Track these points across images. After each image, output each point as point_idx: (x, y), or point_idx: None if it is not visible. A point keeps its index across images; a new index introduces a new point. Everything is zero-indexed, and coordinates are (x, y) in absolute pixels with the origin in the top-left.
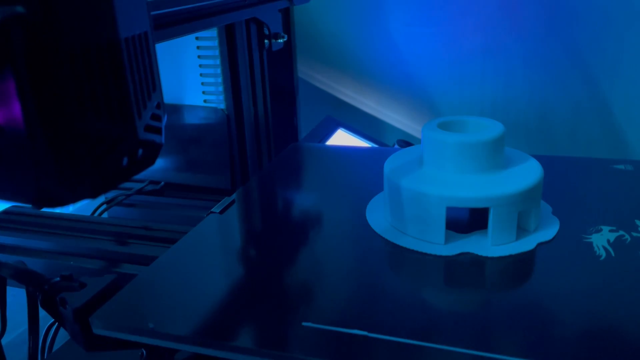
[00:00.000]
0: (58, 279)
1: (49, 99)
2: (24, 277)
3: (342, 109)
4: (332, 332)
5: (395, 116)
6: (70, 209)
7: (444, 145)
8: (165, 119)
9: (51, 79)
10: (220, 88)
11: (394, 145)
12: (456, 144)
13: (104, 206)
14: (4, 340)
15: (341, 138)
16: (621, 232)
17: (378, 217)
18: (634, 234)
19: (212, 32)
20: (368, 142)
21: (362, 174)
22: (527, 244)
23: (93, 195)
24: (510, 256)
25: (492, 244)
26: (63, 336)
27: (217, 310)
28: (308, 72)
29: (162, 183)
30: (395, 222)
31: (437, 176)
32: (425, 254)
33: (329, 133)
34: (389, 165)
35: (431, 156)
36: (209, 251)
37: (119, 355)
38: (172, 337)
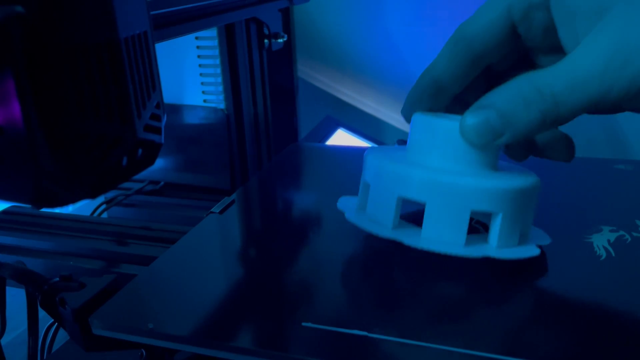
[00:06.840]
0: (57, 279)
1: (48, 99)
2: (23, 277)
3: (342, 109)
4: (332, 332)
5: (395, 116)
6: (69, 209)
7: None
8: (164, 119)
9: (50, 79)
10: (220, 88)
11: (394, 145)
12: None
13: (104, 206)
14: (3, 341)
15: (341, 138)
16: (621, 232)
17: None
18: (635, 234)
19: (212, 32)
20: (368, 142)
21: None
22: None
23: (92, 195)
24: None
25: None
26: (63, 336)
27: (216, 310)
28: (308, 72)
29: (162, 183)
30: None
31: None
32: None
33: (329, 133)
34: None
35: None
36: (209, 251)
37: (119, 355)
38: (171, 337)
